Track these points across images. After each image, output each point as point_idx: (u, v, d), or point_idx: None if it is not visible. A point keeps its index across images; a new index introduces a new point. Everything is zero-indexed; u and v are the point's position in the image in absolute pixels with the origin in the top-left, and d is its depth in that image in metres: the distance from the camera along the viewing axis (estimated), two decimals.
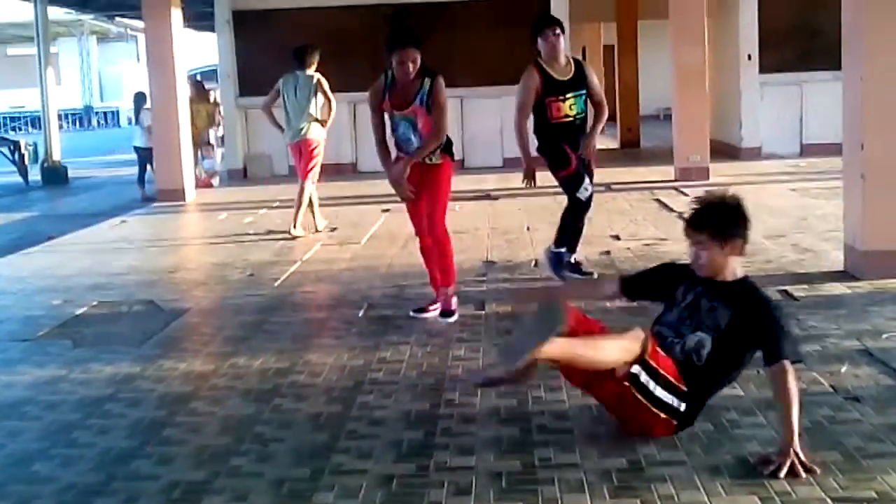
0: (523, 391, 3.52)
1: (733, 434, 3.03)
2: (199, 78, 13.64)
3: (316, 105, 7.52)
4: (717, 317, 2.99)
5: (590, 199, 5.42)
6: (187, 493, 2.77)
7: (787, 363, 2.83)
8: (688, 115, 10.08)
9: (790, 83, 12.16)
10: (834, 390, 3.40)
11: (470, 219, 8.22)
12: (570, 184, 5.38)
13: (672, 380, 2.91)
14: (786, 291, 4.90)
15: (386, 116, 4.75)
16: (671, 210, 8.12)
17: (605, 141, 18.16)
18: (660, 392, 2.90)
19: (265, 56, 12.68)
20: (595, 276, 5.38)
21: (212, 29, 13.26)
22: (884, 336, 4.03)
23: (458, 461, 2.91)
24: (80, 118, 40.77)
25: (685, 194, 9.03)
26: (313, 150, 7.54)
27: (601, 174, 11.30)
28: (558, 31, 5.29)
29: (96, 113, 41.54)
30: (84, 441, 3.25)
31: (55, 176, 15.52)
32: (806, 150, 12.21)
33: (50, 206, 13.06)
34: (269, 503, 2.68)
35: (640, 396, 2.88)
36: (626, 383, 2.86)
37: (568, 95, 5.19)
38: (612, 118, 18.35)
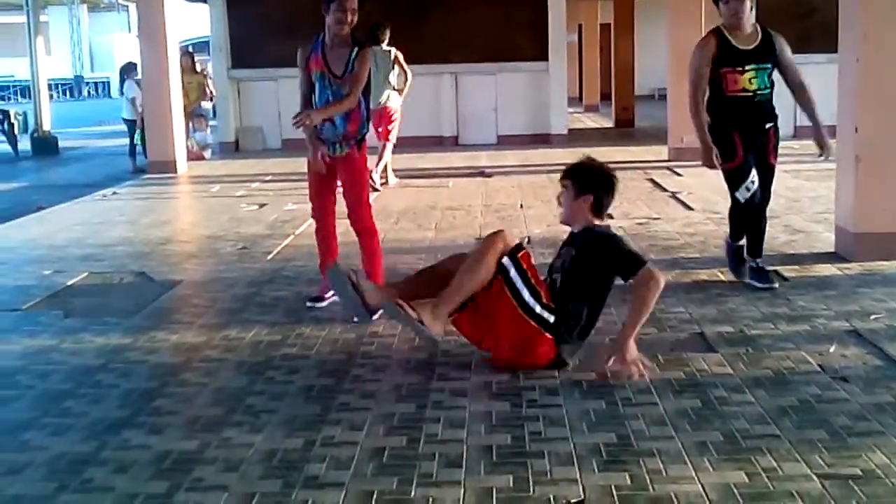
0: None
1: (721, 411, 3.06)
2: (190, 49, 13.49)
3: (394, 76, 8.47)
4: (565, 257, 3.58)
5: (752, 202, 4.53)
6: (178, 462, 2.79)
7: (646, 268, 3.35)
8: (682, 95, 9.99)
9: None
10: (822, 370, 3.43)
11: (463, 196, 8.21)
12: (730, 179, 4.59)
13: (536, 286, 3.44)
14: (776, 272, 4.92)
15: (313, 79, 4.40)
16: (664, 190, 8.14)
17: (599, 120, 18.18)
18: (526, 295, 3.40)
19: (258, 28, 12.61)
20: (776, 285, 4.60)
21: (204, 0, 13.11)
22: (872, 317, 4.06)
23: (448, 434, 2.93)
24: (70, 88, 40.44)
25: (678, 174, 9.06)
26: (392, 116, 8.58)
27: (595, 154, 11.38)
28: None
29: (87, 83, 41.22)
30: (75, 410, 3.25)
31: (45, 146, 15.42)
32: (799, 133, 12.19)
33: (40, 176, 12.98)
34: (260, 474, 2.70)
35: (510, 294, 3.39)
36: (499, 276, 3.40)
37: (748, 67, 4.47)
38: (606, 97, 18.51)
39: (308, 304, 4.52)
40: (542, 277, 3.56)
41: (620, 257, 3.44)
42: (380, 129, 8.43)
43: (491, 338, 3.52)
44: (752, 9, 4.53)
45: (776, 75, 4.61)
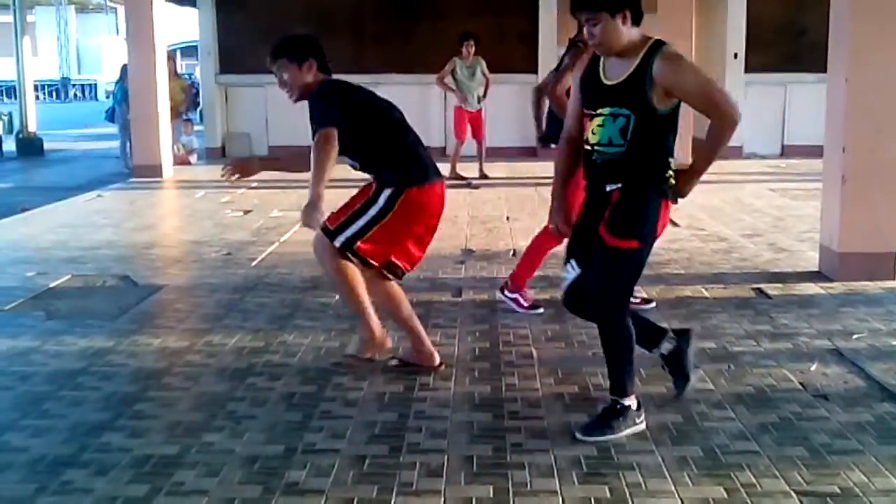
0: (497, 378, 3.55)
1: (702, 426, 3.07)
2: (167, 53, 13.42)
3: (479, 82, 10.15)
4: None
5: (567, 290, 3.13)
6: (159, 466, 2.77)
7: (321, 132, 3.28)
8: None
9: (775, 83, 12.29)
10: (803, 388, 3.45)
11: (449, 206, 8.14)
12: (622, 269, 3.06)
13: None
14: (760, 289, 4.96)
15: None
16: None
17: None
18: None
19: (247, 34, 12.58)
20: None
21: (193, 4, 13.10)
22: (854, 337, 4.10)
23: (430, 444, 2.93)
24: (56, 90, 40.19)
25: None
26: (483, 118, 10.27)
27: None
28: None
29: (73, 85, 40.97)
30: (56, 412, 3.23)
31: (30, 147, 15.32)
32: (787, 151, 12.36)
33: (24, 177, 12.89)
34: (241, 479, 2.69)
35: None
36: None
37: (600, 111, 2.96)
38: None
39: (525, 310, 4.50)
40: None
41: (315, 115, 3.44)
42: (468, 128, 10.13)
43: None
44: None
45: None
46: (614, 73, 2.93)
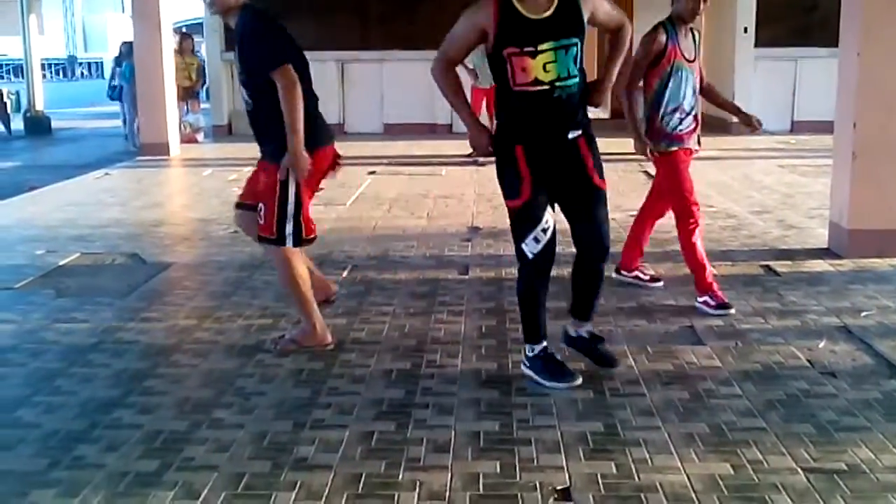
0: (504, 355, 3.57)
1: (709, 403, 3.08)
2: (184, 30, 13.45)
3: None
4: None
5: (542, 257, 3.12)
6: (169, 441, 2.80)
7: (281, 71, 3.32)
8: None
9: (785, 58, 12.16)
10: (811, 365, 3.45)
11: (456, 184, 8.21)
12: (514, 223, 3.16)
13: None
14: (768, 266, 4.95)
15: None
16: None
17: (594, 110, 18.12)
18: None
19: None
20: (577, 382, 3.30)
21: None
22: (862, 314, 4.09)
23: (437, 420, 2.95)
24: (63, 68, 40.16)
25: None
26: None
27: None
28: None
29: (80, 63, 40.92)
30: (67, 389, 3.26)
31: (38, 126, 15.33)
32: (796, 127, 12.25)
33: (33, 156, 12.91)
34: (250, 454, 2.71)
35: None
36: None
37: (542, 47, 2.96)
38: None
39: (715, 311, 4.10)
40: None
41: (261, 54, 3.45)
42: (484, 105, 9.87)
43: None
44: None
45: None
46: (538, 6, 2.96)
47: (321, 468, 2.61)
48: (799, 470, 2.59)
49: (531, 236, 3.08)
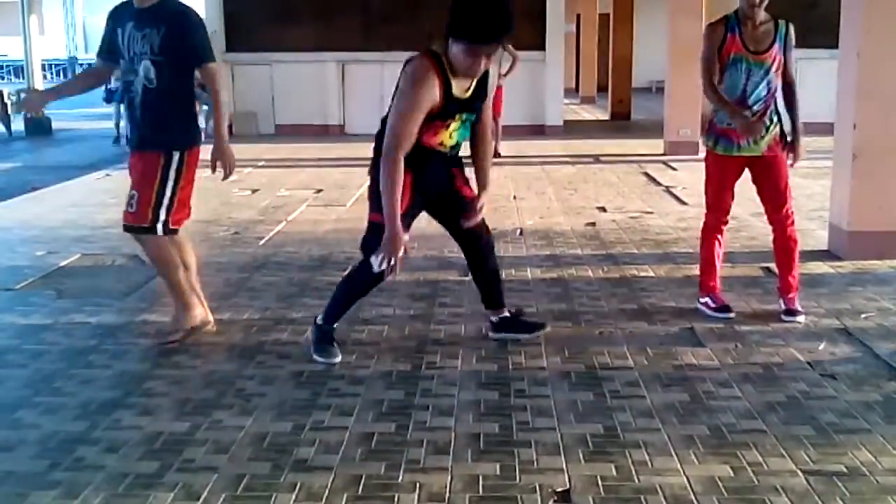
0: (503, 356, 3.57)
1: (708, 405, 3.08)
2: None
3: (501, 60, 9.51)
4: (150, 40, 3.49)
5: (383, 274, 3.33)
6: (169, 443, 2.80)
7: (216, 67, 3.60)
8: (681, 88, 10.09)
9: None
10: (811, 367, 3.45)
11: None
12: (371, 236, 3.47)
13: None
14: (768, 268, 4.95)
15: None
16: (658, 184, 8.16)
17: (595, 112, 18.17)
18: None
19: (253, 11, 12.54)
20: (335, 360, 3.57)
21: None
22: (863, 316, 4.09)
23: (437, 422, 2.95)
24: (64, 69, 40.13)
25: (673, 169, 9.08)
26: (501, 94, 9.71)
27: (589, 147, 11.38)
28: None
29: (81, 64, 40.92)
30: (67, 390, 3.26)
31: (39, 127, 15.35)
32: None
33: (34, 157, 12.92)
34: (250, 456, 2.71)
35: None
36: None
37: (455, 119, 3.34)
38: (603, 89, 18.48)
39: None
40: None
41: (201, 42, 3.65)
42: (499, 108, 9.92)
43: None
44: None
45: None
46: (462, 88, 3.29)
47: (321, 469, 2.61)
48: (799, 472, 2.59)
49: (380, 256, 3.31)
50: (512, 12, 3.11)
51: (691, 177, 8.45)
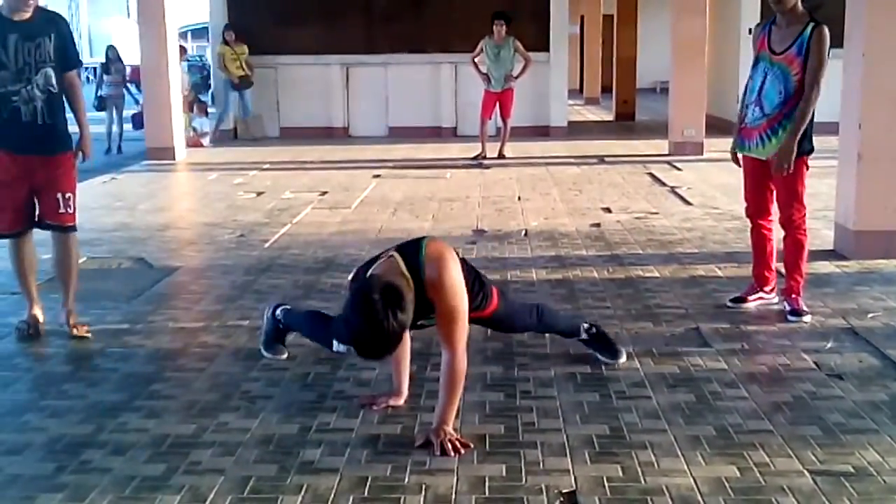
0: (509, 358, 3.57)
1: (715, 405, 3.07)
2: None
3: (513, 62, 10.08)
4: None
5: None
6: (176, 446, 2.81)
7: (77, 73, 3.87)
8: (685, 89, 10.07)
9: None
10: (817, 367, 3.44)
11: (461, 187, 8.22)
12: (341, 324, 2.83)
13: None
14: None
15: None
16: (663, 184, 8.15)
17: (599, 112, 18.15)
18: None
19: (257, 15, 12.55)
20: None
21: None
22: (869, 315, 4.08)
23: None
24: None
25: (678, 169, 9.07)
26: (512, 95, 10.20)
27: (594, 147, 11.38)
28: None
29: (86, 68, 40.98)
30: (74, 393, 3.27)
31: None
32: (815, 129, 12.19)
33: None
34: (257, 458, 2.72)
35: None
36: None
37: None
38: (607, 89, 18.46)
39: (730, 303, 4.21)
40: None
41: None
42: (498, 109, 10.14)
43: None
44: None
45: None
46: None
47: (327, 471, 2.62)
48: (805, 472, 2.58)
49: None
50: (388, 335, 2.52)
51: (696, 177, 8.45)
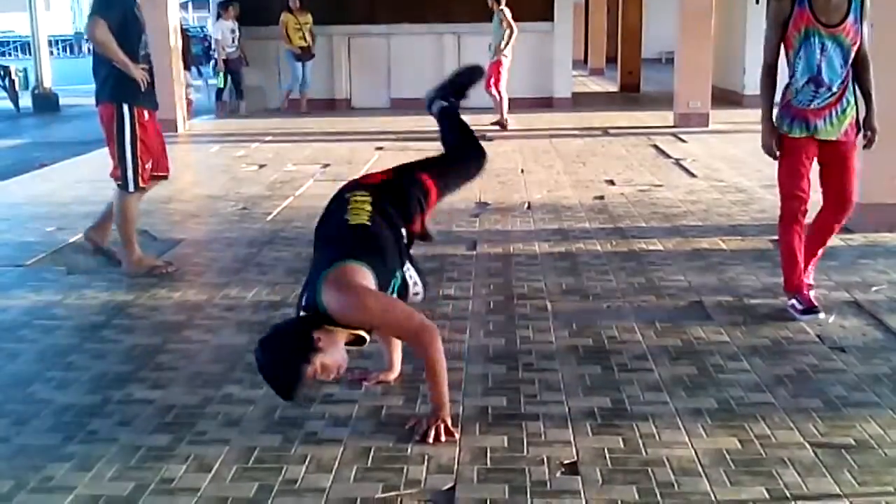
0: (511, 331, 3.58)
1: (717, 378, 3.09)
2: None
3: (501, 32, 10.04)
4: None
5: None
6: (181, 416, 2.83)
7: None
8: (691, 60, 9.98)
9: None
10: (820, 340, 3.45)
11: None
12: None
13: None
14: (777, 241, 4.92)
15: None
16: (668, 156, 8.11)
17: (604, 84, 18.02)
18: None
19: None
20: None
21: None
22: (873, 289, 4.08)
23: None
24: (70, 45, 40.01)
25: (683, 141, 9.02)
26: (500, 67, 10.15)
27: (598, 119, 11.31)
28: None
29: (87, 40, 40.78)
30: (79, 365, 3.29)
31: (46, 103, 15.33)
32: None
33: (41, 133, 12.92)
34: (261, 429, 2.74)
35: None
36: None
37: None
38: (612, 60, 18.31)
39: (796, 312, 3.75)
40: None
41: None
42: (491, 80, 9.99)
43: None
44: None
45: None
46: None
47: (331, 442, 2.64)
48: (806, 444, 2.59)
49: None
50: (290, 386, 2.47)
51: (701, 149, 8.41)
